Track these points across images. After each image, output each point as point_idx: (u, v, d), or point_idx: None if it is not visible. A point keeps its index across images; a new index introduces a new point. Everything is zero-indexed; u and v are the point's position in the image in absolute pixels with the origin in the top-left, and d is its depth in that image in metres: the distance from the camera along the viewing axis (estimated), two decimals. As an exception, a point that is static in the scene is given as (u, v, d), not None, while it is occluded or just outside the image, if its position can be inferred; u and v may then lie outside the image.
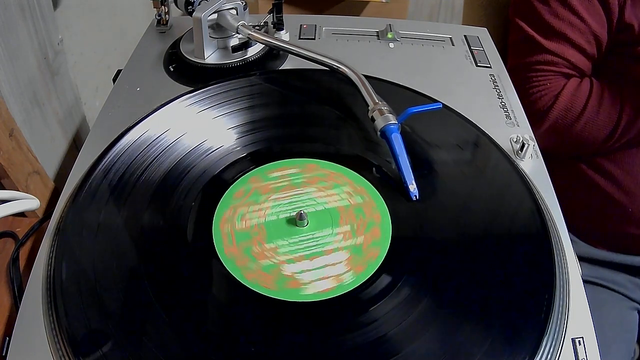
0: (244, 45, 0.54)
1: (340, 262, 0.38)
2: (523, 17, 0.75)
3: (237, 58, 0.54)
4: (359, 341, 0.33)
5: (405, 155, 0.42)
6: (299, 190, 0.43)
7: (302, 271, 0.37)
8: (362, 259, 0.38)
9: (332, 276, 0.37)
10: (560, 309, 0.35)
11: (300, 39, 0.61)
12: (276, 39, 0.53)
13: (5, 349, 0.33)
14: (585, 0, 0.69)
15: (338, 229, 0.40)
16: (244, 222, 0.40)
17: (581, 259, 0.55)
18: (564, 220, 0.41)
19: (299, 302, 0.35)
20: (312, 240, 0.39)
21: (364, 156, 0.46)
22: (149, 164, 0.43)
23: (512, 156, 0.45)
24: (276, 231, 0.40)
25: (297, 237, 0.39)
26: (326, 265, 0.37)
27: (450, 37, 0.62)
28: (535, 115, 0.72)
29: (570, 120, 0.71)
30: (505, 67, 0.57)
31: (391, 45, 0.60)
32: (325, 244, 0.39)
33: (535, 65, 0.72)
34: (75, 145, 0.66)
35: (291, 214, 0.41)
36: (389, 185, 0.43)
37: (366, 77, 0.48)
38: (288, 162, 0.45)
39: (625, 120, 0.69)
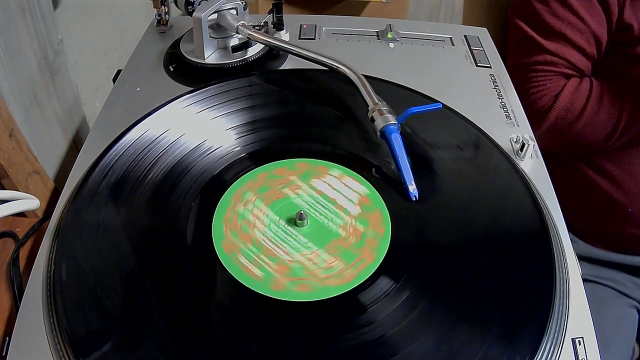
0: (244, 45, 0.54)
1: (342, 261, 0.38)
2: (523, 17, 0.75)
3: (237, 58, 0.54)
4: (359, 341, 0.33)
5: (405, 156, 0.42)
6: (299, 190, 0.43)
7: (302, 271, 0.37)
8: (362, 259, 0.38)
9: (333, 275, 0.37)
10: (560, 309, 0.35)
11: (300, 39, 0.61)
12: (276, 39, 0.53)
13: (5, 349, 0.33)
14: (585, 0, 0.69)
15: (338, 227, 0.40)
16: (244, 223, 0.40)
17: (581, 258, 0.55)
18: (564, 220, 0.41)
19: (298, 302, 0.35)
20: (312, 240, 0.39)
21: (364, 156, 0.46)
22: (149, 164, 0.43)
23: (512, 156, 0.45)
24: (276, 231, 0.40)
25: (297, 237, 0.39)
26: (327, 264, 0.38)
27: (450, 37, 0.62)
28: (535, 115, 0.72)
29: (570, 120, 0.71)
30: (505, 67, 0.57)
31: (391, 45, 0.60)
32: (325, 244, 0.39)
33: (535, 65, 0.72)
34: (75, 145, 0.66)
35: (291, 214, 0.41)
36: (388, 186, 0.43)
37: (366, 77, 0.48)
38: (288, 162, 0.45)
39: (625, 120, 0.69)
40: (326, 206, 0.41)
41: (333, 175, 0.44)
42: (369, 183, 0.43)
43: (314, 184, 0.43)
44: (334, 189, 0.43)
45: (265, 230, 0.40)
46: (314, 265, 0.37)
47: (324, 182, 0.43)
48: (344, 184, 0.43)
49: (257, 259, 0.38)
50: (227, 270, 0.37)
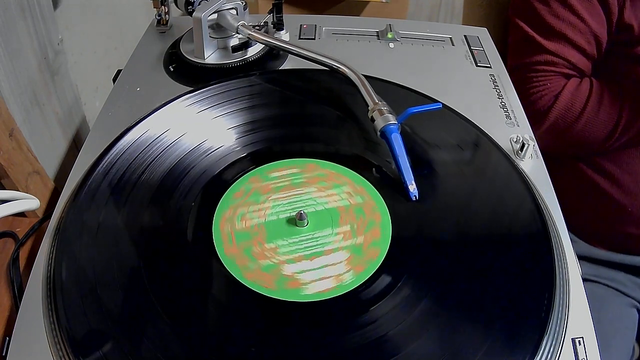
0: (244, 45, 0.54)
1: (340, 262, 0.38)
2: (523, 17, 0.75)
3: (237, 58, 0.54)
4: (359, 341, 0.33)
5: (405, 156, 0.42)
6: (299, 190, 0.43)
7: (302, 271, 0.37)
8: (362, 259, 0.38)
9: (332, 276, 0.37)
10: (560, 309, 0.35)
11: (300, 39, 0.61)
12: (276, 39, 0.53)
13: (5, 349, 0.33)
14: (585, 0, 0.69)
15: (338, 228, 0.40)
16: (244, 222, 0.40)
17: (581, 258, 0.55)
18: (564, 220, 0.41)
19: (298, 302, 0.35)
20: (312, 240, 0.39)
21: (364, 156, 0.46)
22: (149, 164, 0.43)
23: (512, 156, 0.45)
24: (276, 231, 0.40)
25: (297, 237, 0.39)
26: (326, 265, 0.37)
27: (450, 37, 0.62)
28: (536, 115, 0.72)
29: (570, 120, 0.71)
30: (505, 67, 0.57)
31: (391, 45, 0.60)
32: (325, 244, 0.39)
33: (535, 65, 0.72)
34: (75, 145, 0.66)
35: (291, 214, 0.41)
36: (389, 185, 0.43)
37: (366, 77, 0.48)
38: (288, 162, 0.45)
39: (625, 120, 0.69)
40: (333, 216, 0.41)
41: (333, 175, 0.44)
42: (369, 183, 0.43)
43: (314, 184, 0.43)
44: (334, 188, 0.43)
45: (265, 230, 0.40)
46: (290, 266, 0.37)
47: (324, 182, 0.43)
48: (344, 183, 0.43)
49: (257, 258, 0.38)
50: (227, 270, 0.37)
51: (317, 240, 0.39)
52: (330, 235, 0.40)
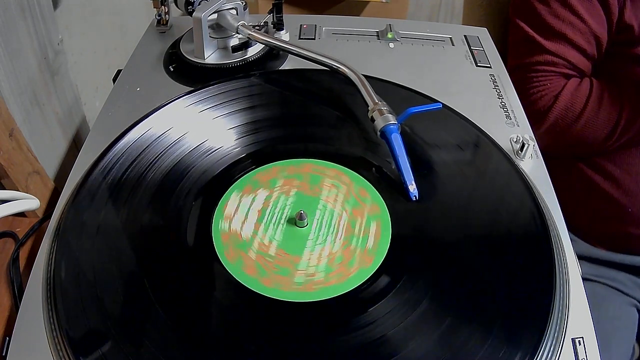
0: (244, 45, 0.54)
1: (342, 261, 0.38)
2: (523, 17, 0.75)
3: (237, 58, 0.54)
4: (359, 341, 0.33)
5: (405, 156, 0.42)
6: (299, 190, 0.43)
7: (303, 270, 0.37)
8: (362, 259, 0.38)
9: (333, 275, 0.37)
10: (560, 308, 0.35)
11: (300, 39, 0.61)
12: (276, 39, 0.53)
13: (5, 349, 0.33)
14: (585, 0, 0.69)
15: (338, 227, 0.40)
16: (244, 222, 0.40)
17: (581, 258, 0.55)
18: (564, 220, 0.41)
19: (298, 302, 0.35)
20: (313, 240, 0.39)
21: (364, 156, 0.46)
22: (149, 164, 0.43)
23: (512, 156, 0.45)
24: (276, 231, 0.40)
25: (297, 236, 0.39)
26: (330, 264, 0.38)
27: (450, 37, 0.62)
28: (536, 115, 0.72)
29: (570, 120, 0.71)
30: (505, 67, 0.57)
31: (391, 45, 0.60)
32: (326, 243, 0.39)
33: (535, 65, 0.72)
34: (75, 145, 0.66)
35: (291, 214, 0.41)
36: (389, 185, 0.43)
37: (366, 77, 0.48)
38: (288, 162, 0.45)
39: (625, 120, 0.69)
40: (327, 206, 0.41)
41: (333, 175, 0.44)
42: (369, 183, 0.43)
43: (315, 184, 0.43)
44: (334, 188, 0.43)
45: (265, 230, 0.40)
46: (312, 266, 0.37)
47: (324, 182, 0.43)
48: (344, 183, 0.43)
49: (257, 258, 0.38)
50: (227, 270, 0.37)
51: (317, 240, 0.39)
52: (331, 234, 0.40)
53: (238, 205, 0.42)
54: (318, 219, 0.41)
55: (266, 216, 0.41)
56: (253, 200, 0.42)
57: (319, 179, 0.43)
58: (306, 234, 0.40)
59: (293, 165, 0.45)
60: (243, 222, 0.40)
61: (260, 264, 0.38)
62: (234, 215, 0.41)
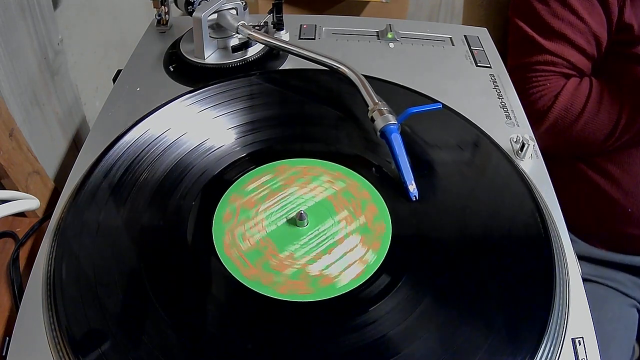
0: (244, 45, 0.54)
1: (356, 246, 0.38)
2: (523, 17, 0.75)
3: (237, 58, 0.54)
4: (358, 341, 0.33)
5: (405, 156, 0.42)
6: (299, 190, 0.43)
7: (302, 271, 0.37)
8: (374, 236, 0.38)
9: (356, 261, 0.37)
10: (560, 308, 0.35)
11: (300, 39, 0.61)
12: (276, 39, 0.53)
13: (5, 349, 0.33)
14: (584, 0, 0.69)
15: (338, 227, 0.40)
16: (245, 222, 0.40)
17: (581, 258, 0.55)
18: (564, 220, 0.41)
19: (298, 302, 0.35)
20: (312, 240, 0.39)
21: (364, 156, 0.46)
22: (149, 164, 0.43)
23: (512, 156, 0.45)
24: (276, 231, 0.40)
25: (297, 236, 0.39)
26: (345, 253, 0.38)
27: (450, 37, 0.62)
28: (535, 115, 0.72)
29: (570, 120, 0.71)
30: (505, 67, 0.57)
31: (391, 45, 0.60)
32: (334, 234, 0.39)
33: (535, 65, 0.72)
34: (75, 145, 0.66)
35: (291, 214, 0.41)
36: (389, 185, 0.43)
37: (366, 77, 0.48)
38: (287, 162, 0.45)
39: (625, 120, 0.69)
40: (327, 206, 0.41)
41: (334, 176, 0.44)
42: (369, 183, 0.43)
43: (315, 184, 0.43)
44: (335, 189, 0.43)
45: (265, 230, 0.40)
46: (313, 265, 0.37)
47: (325, 182, 0.43)
48: (344, 184, 0.43)
49: (257, 258, 0.38)
50: (227, 270, 0.37)
51: (317, 240, 0.39)
52: (330, 235, 0.40)
53: (238, 205, 0.41)
54: (318, 219, 0.41)
55: (266, 216, 0.41)
56: (253, 200, 0.42)
57: (318, 179, 0.43)
58: (306, 233, 0.40)
59: (293, 165, 0.45)
60: (243, 222, 0.40)
61: (261, 263, 0.38)
62: (234, 215, 0.41)
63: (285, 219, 0.41)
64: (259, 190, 0.43)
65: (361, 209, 0.41)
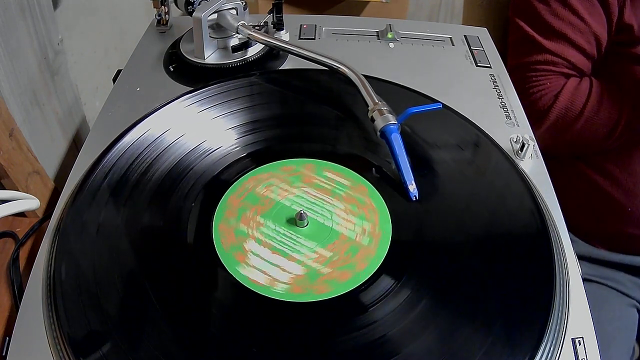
0: (244, 45, 0.54)
1: (356, 246, 0.38)
2: (523, 16, 0.75)
3: (237, 58, 0.54)
4: (358, 342, 0.33)
5: (405, 156, 0.42)
6: (299, 190, 0.43)
7: (302, 271, 0.37)
8: (374, 236, 0.38)
9: (356, 261, 0.37)
10: (560, 308, 0.35)
11: (300, 39, 0.61)
12: (276, 39, 0.53)
13: (5, 349, 0.33)
14: (585, 0, 0.69)
15: (338, 228, 0.40)
16: (245, 222, 0.40)
17: (581, 258, 0.55)
18: (564, 220, 0.41)
19: (298, 302, 0.35)
20: (312, 240, 0.39)
21: (364, 156, 0.46)
22: (149, 164, 0.43)
23: (512, 156, 0.45)
24: (276, 231, 0.40)
25: (297, 236, 0.39)
26: (330, 264, 0.38)
27: (450, 37, 0.62)
28: (536, 114, 0.72)
29: (570, 120, 0.71)
30: (505, 66, 0.57)
31: (391, 45, 0.60)
32: (326, 244, 0.39)
33: (535, 64, 0.72)
34: (75, 145, 0.66)
35: (291, 214, 0.41)
36: (389, 185, 0.43)
37: (366, 77, 0.48)
38: (288, 162, 0.45)
39: (625, 119, 0.69)
40: (326, 207, 0.41)
41: (333, 175, 0.44)
42: (369, 183, 0.43)
43: (315, 184, 0.43)
44: (335, 189, 0.43)
45: (265, 230, 0.40)
46: (314, 266, 0.37)
47: (325, 182, 0.43)
48: (345, 184, 0.43)
49: (257, 258, 0.38)
50: (227, 270, 0.37)
51: (317, 240, 0.39)
52: (330, 235, 0.39)
53: (238, 205, 0.41)
54: (318, 219, 0.41)
55: (266, 216, 0.41)
56: (253, 200, 0.42)
57: (318, 179, 0.43)
58: (306, 233, 0.40)
59: (293, 165, 0.45)
60: (243, 222, 0.40)
61: (260, 263, 0.38)
62: (234, 216, 0.41)
63: (285, 219, 0.41)
64: (259, 191, 0.43)
65: (361, 209, 0.41)
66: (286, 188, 0.43)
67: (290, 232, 0.40)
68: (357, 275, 0.37)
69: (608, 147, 0.72)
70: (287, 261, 0.38)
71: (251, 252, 0.38)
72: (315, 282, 0.36)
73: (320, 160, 0.45)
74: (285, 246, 0.39)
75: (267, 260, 0.38)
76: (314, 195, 0.42)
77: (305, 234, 0.40)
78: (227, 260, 0.38)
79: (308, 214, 0.40)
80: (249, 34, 0.52)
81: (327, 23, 0.63)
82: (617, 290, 0.76)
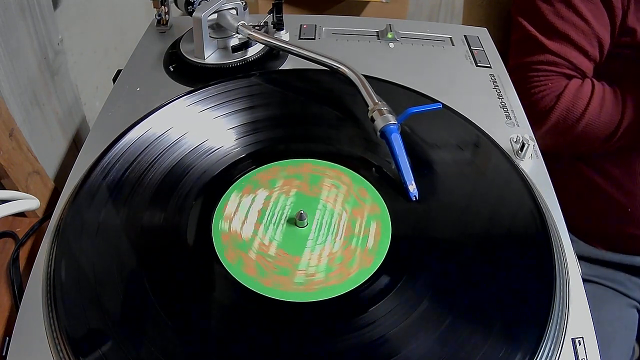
0: (244, 45, 0.54)
1: (356, 245, 0.38)
2: (526, 16, 0.75)
3: (237, 58, 0.54)
4: (359, 342, 0.33)
5: (405, 156, 0.42)
6: (299, 190, 0.43)
7: (301, 271, 0.37)
8: (374, 236, 0.38)
9: (331, 276, 0.37)
10: (560, 308, 0.35)
11: (300, 39, 0.61)
12: (276, 39, 0.53)
13: (5, 349, 0.33)
14: (589, 2, 0.69)
15: (338, 227, 0.40)
16: (244, 221, 0.40)
17: (581, 258, 0.55)
18: (564, 220, 0.41)
19: (298, 302, 0.35)
20: (313, 240, 0.39)
21: (364, 156, 0.46)
22: (149, 164, 0.43)
23: (512, 156, 0.45)
24: (276, 230, 0.40)
25: (296, 236, 0.39)
26: (326, 264, 0.37)
27: (450, 37, 0.62)
28: (537, 115, 0.72)
29: (571, 121, 0.71)
30: (506, 66, 0.57)
31: (391, 45, 0.60)
32: (325, 244, 0.39)
33: (537, 65, 0.72)
34: (75, 145, 0.66)
35: (291, 215, 0.41)
36: (389, 185, 0.43)
37: (366, 77, 0.48)
38: (288, 162, 0.45)
39: (626, 122, 0.69)
40: (326, 207, 0.41)
41: (333, 175, 0.44)
42: (369, 183, 0.43)
43: (315, 184, 0.43)
44: (335, 189, 0.43)
45: (265, 230, 0.40)
46: (312, 266, 0.37)
47: (323, 182, 0.43)
48: (343, 184, 0.43)
49: (257, 258, 0.38)
50: (227, 270, 0.37)
51: (316, 241, 0.39)
52: (330, 235, 0.39)
53: (238, 205, 0.42)
54: (318, 219, 0.41)
55: (266, 216, 0.41)
56: (253, 200, 0.42)
57: (318, 179, 0.43)
58: (306, 234, 0.40)
59: (293, 165, 0.45)
60: (243, 222, 0.40)
61: (260, 264, 0.38)
62: (234, 216, 0.41)
63: (285, 219, 0.41)
64: (259, 191, 0.43)
65: (361, 209, 0.41)
66: (286, 188, 0.43)
67: (290, 232, 0.40)
68: (357, 275, 0.37)
69: (609, 149, 0.72)
70: (287, 261, 0.38)
71: (251, 249, 0.38)
72: (315, 282, 0.36)
73: (320, 160, 0.45)
74: (285, 245, 0.39)
75: (267, 259, 0.38)
76: (314, 195, 0.42)
77: (305, 234, 0.40)
78: (226, 260, 0.38)
79: (308, 214, 0.40)
80: (249, 34, 0.52)
81: (327, 23, 0.63)
82: (617, 290, 0.76)
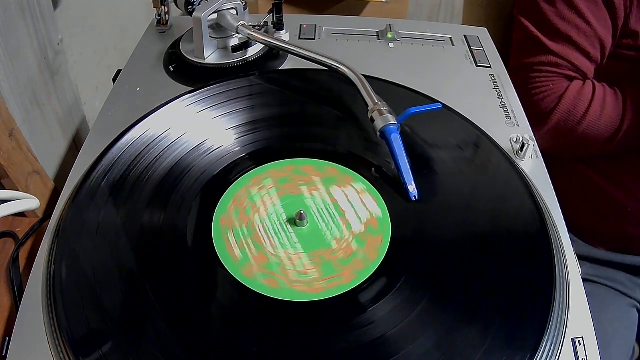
0: (244, 45, 0.54)
1: (356, 245, 0.38)
2: (528, 16, 0.75)
3: (237, 58, 0.54)
4: (358, 342, 0.33)
5: (405, 156, 0.42)
6: (299, 190, 0.43)
7: (278, 267, 0.37)
8: (373, 236, 0.38)
9: (355, 261, 0.37)
10: (560, 308, 0.35)
11: (300, 39, 0.61)
12: (276, 39, 0.53)
13: (5, 349, 0.33)
14: (592, 4, 0.68)
15: (338, 227, 0.40)
16: (245, 224, 0.40)
17: (581, 258, 0.55)
18: (564, 220, 0.41)
19: (298, 302, 0.35)
20: (302, 242, 0.39)
21: (364, 156, 0.46)
22: (149, 164, 0.43)
23: (512, 156, 0.45)
24: (274, 223, 0.40)
25: (290, 234, 0.39)
26: (330, 264, 0.37)
27: (450, 37, 0.62)
28: (537, 116, 0.72)
29: (572, 123, 0.71)
30: (507, 66, 0.57)
31: (391, 45, 0.60)
32: (313, 250, 0.39)
33: (539, 65, 0.72)
34: (75, 145, 0.66)
35: (291, 215, 0.41)
36: (389, 185, 0.43)
37: (366, 77, 0.48)
38: (288, 162, 0.45)
39: (627, 124, 0.69)
40: (327, 206, 0.41)
41: (333, 176, 0.44)
42: (369, 183, 0.43)
43: (314, 184, 0.43)
44: (335, 189, 0.43)
45: (265, 230, 0.40)
46: (290, 266, 0.37)
47: (323, 182, 0.43)
48: (344, 184, 0.43)
49: (257, 258, 0.38)
50: (227, 270, 0.37)
51: (306, 244, 0.39)
52: (321, 243, 0.39)
53: (238, 204, 0.41)
54: (318, 219, 0.41)
55: (266, 216, 0.41)
56: (253, 200, 0.42)
57: (318, 179, 0.43)
58: (306, 233, 0.40)
59: (293, 165, 0.45)
60: (243, 222, 0.40)
61: (260, 263, 0.38)
62: (234, 215, 0.41)
63: (285, 219, 0.41)
64: (259, 191, 0.43)
65: (361, 209, 0.41)
66: (286, 188, 0.43)
67: (290, 231, 0.40)
68: (357, 275, 0.37)
69: (610, 151, 0.72)
70: (286, 261, 0.38)
71: (252, 252, 0.38)
72: (315, 282, 0.36)
73: (320, 160, 0.45)
74: (285, 246, 0.39)
75: (266, 260, 0.38)
76: (314, 195, 0.42)
77: (304, 234, 0.40)
78: (226, 260, 0.38)
79: (307, 213, 0.40)
80: (249, 34, 0.52)
81: (327, 23, 0.63)
82: (617, 290, 0.76)
